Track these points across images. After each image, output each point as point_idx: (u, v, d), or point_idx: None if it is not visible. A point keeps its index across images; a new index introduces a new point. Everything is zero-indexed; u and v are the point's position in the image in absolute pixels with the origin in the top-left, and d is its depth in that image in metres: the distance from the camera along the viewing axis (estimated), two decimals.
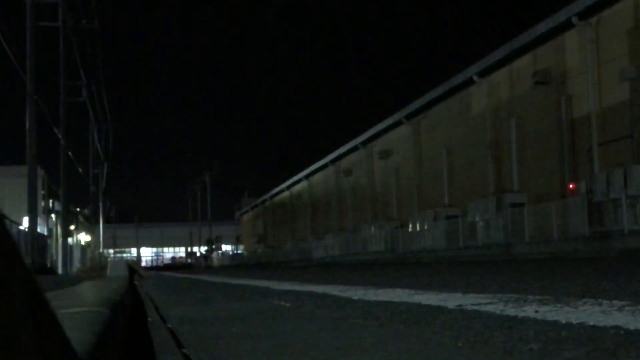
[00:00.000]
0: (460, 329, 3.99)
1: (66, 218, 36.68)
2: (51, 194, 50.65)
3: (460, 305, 5.55)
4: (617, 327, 3.62)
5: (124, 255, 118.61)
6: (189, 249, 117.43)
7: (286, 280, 15.29)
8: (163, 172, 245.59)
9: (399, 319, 4.87)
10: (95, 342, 1.69)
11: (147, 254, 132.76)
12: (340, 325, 4.73)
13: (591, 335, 3.43)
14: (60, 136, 32.42)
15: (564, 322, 4.03)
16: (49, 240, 39.63)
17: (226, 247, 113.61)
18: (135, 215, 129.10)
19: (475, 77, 35.92)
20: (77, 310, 2.49)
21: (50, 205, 51.37)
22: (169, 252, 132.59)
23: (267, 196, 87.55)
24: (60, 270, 34.49)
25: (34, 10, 26.17)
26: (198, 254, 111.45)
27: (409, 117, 44.24)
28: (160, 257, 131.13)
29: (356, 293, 8.38)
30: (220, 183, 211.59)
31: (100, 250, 73.82)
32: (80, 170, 46.53)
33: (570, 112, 29.20)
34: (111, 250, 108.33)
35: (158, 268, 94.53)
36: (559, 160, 29.72)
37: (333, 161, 59.68)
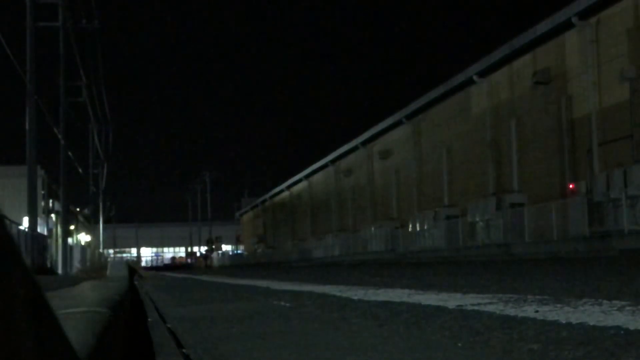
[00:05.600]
0: (460, 329, 3.99)
1: (66, 218, 36.70)
2: (51, 194, 50.65)
3: (460, 306, 5.55)
4: (617, 327, 3.62)
5: (124, 255, 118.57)
6: (189, 249, 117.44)
7: (286, 280, 15.29)
8: (163, 172, 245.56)
9: (399, 319, 4.87)
10: (95, 342, 1.69)
11: (147, 254, 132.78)
12: (340, 325, 4.73)
13: (591, 335, 3.42)
14: (60, 136, 32.41)
15: (564, 322, 4.03)
16: (49, 240, 39.64)
17: (226, 247, 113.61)
18: (135, 215, 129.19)
19: (475, 77, 35.91)
20: (77, 310, 2.49)
21: (50, 205, 51.37)
22: (169, 252, 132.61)
23: (267, 196, 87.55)
24: (60, 270, 34.49)
25: (34, 10, 26.16)
26: (198, 254, 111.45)
27: (409, 117, 44.24)
28: (160, 257, 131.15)
29: (356, 293, 8.38)
30: (220, 183, 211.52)
31: (100, 250, 73.79)
32: (80, 170, 46.52)
33: (570, 112, 29.19)
34: (111, 250, 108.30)
35: (158, 268, 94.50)
36: (559, 160, 29.71)
37: (333, 161, 59.68)
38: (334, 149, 59.22)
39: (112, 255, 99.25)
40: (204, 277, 26.13)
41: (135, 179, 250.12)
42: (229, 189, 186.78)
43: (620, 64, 26.26)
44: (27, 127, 24.95)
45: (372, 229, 46.32)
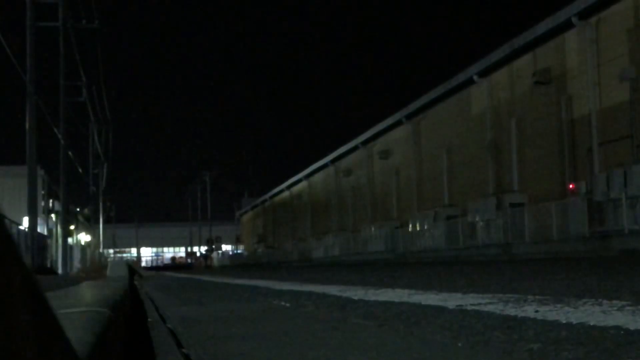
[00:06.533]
0: (460, 329, 3.99)
1: (66, 218, 36.68)
2: (51, 194, 50.66)
3: (460, 305, 5.55)
4: (617, 327, 3.62)
5: (124, 255, 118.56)
6: (189, 249, 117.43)
7: (286, 280, 15.29)
8: (163, 172, 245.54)
9: (399, 319, 4.87)
10: (95, 342, 1.69)
11: (147, 254, 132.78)
12: (340, 325, 4.73)
13: (591, 335, 3.42)
14: (60, 136, 32.41)
15: (564, 322, 4.03)
16: (49, 240, 39.64)
17: (226, 247, 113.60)
18: (135, 215, 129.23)
19: (475, 77, 35.91)
20: (77, 310, 2.49)
21: (50, 205, 51.38)
22: (169, 252, 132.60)
23: (267, 196, 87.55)
24: (60, 270, 34.48)
25: (34, 10, 26.16)
26: (198, 254, 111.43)
27: (409, 117, 44.24)
28: (160, 257, 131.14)
29: (356, 293, 8.37)
30: (220, 183, 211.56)
31: (100, 250, 73.78)
32: (80, 170, 46.49)
33: (570, 112, 29.19)
34: (111, 250, 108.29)
35: (158, 268, 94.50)
36: (559, 160, 29.71)
37: (333, 161, 59.67)
38: (334, 149, 59.26)
39: (112, 255, 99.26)
40: (204, 277, 26.13)
41: (135, 179, 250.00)
42: (229, 189, 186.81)
43: (620, 64, 26.26)
44: (27, 127, 24.95)
45: (372, 229, 46.31)
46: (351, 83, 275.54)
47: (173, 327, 5.23)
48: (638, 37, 25.99)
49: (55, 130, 31.73)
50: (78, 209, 62.54)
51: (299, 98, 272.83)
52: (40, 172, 43.33)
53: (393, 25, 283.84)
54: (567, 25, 29.11)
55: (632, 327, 3.59)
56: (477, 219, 32.19)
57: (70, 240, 42.41)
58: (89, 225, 66.90)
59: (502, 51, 33.65)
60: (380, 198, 49.90)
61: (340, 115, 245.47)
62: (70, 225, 41.13)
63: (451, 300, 6.19)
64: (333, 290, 9.46)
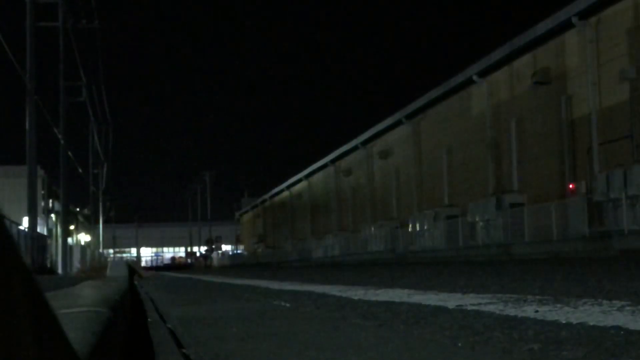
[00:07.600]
0: (460, 329, 3.99)
1: (66, 218, 36.69)
2: (51, 194, 50.68)
3: (460, 305, 5.55)
4: (617, 327, 3.62)
5: (124, 255, 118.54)
6: (189, 249, 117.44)
7: (286, 280, 15.29)
8: (163, 172, 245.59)
9: (399, 319, 4.87)
10: (95, 342, 1.69)
11: (147, 254, 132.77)
12: (340, 325, 4.73)
13: (591, 335, 3.42)
14: (60, 136, 32.41)
15: (564, 322, 4.03)
16: (49, 240, 39.63)
17: (226, 247, 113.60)
18: (135, 215, 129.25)
19: (475, 77, 35.89)
20: (77, 310, 2.49)
21: (50, 205, 51.40)
22: (169, 252, 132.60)
23: (267, 196, 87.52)
24: (60, 270, 34.48)
25: (34, 10, 26.17)
26: (198, 254, 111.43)
27: (409, 117, 44.22)
28: (160, 257, 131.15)
29: (356, 293, 8.37)
30: (220, 183, 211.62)
31: (100, 250, 73.76)
32: (80, 170, 46.49)
33: (570, 112, 29.18)
34: (111, 250, 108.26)
35: (158, 268, 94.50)
36: (559, 160, 29.70)
37: (333, 161, 59.66)
38: (334, 149, 59.23)
39: (112, 255, 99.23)
40: (204, 277, 26.13)
41: (135, 179, 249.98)
42: (229, 189, 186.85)
43: (620, 64, 26.25)
44: (27, 127, 24.97)
45: (372, 229, 46.30)
46: (351, 83, 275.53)
47: (173, 327, 5.24)
48: (638, 37, 25.98)
49: (55, 130, 31.73)
50: (78, 209, 62.55)
51: (299, 98, 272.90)
52: (40, 172, 43.33)
53: (393, 25, 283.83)
54: (567, 25, 29.09)
55: (632, 327, 3.59)
56: (477, 219, 32.19)
57: (70, 240, 42.42)
58: (89, 225, 66.90)
59: (502, 51, 33.63)
60: (380, 198, 49.89)
61: (340, 115, 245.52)
62: (70, 225, 41.15)
63: (451, 300, 6.19)
64: (333, 290, 9.46)
